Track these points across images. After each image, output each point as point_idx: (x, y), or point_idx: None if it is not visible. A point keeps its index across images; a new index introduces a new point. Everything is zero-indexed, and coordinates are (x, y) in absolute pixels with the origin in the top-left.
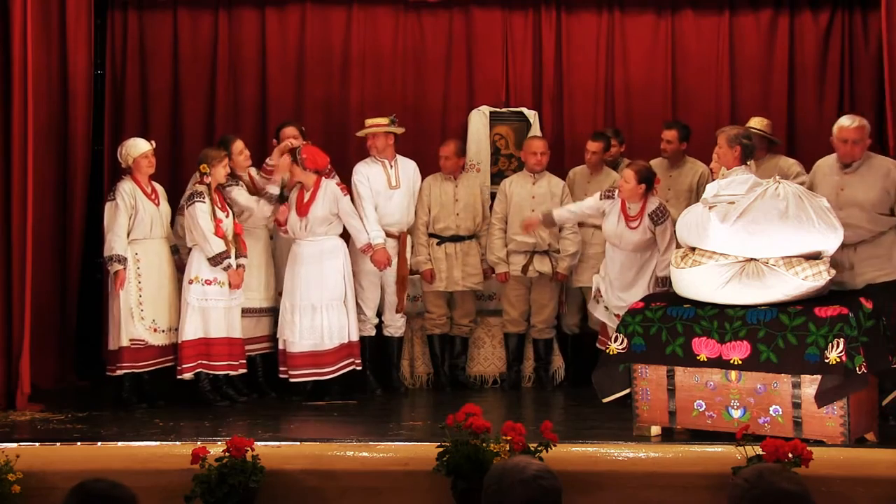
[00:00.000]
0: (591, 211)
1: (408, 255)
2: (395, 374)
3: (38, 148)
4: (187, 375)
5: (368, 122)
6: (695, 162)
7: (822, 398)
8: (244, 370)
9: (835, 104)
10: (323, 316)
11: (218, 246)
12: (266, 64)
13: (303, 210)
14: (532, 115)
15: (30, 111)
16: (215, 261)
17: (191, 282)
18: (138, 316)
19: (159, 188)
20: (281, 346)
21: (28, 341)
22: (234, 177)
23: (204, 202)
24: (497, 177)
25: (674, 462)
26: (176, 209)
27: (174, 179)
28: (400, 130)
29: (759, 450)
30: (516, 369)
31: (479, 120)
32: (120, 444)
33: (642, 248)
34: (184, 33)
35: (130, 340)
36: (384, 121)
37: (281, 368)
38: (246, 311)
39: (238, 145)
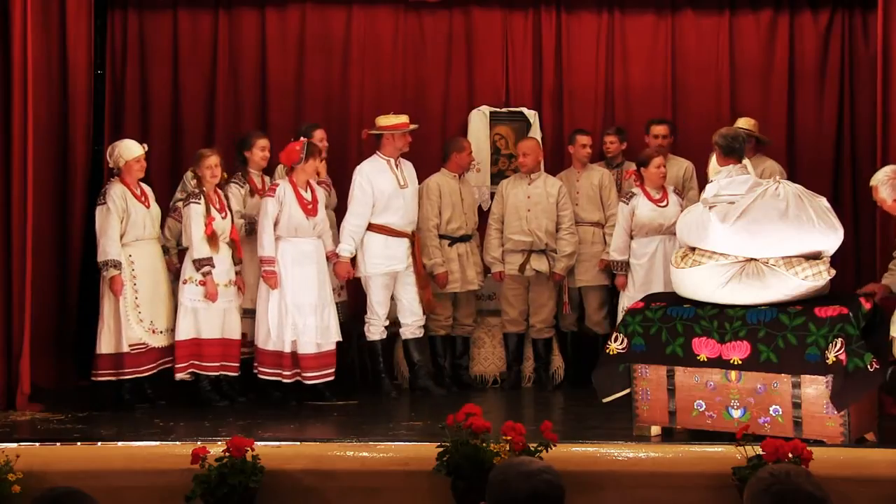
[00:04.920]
0: (628, 222)
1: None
2: (417, 377)
3: (38, 148)
4: (180, 376)
5: (396, 120)
6: (677, 158)
7: (839, 399)
8: (236, 373)
9: (835, 104)
10: (330, 314)
11: (200, 252)
12: (266, 64)
13: (313, 210)
14: (532, 115)
15: (30, 111)
16: (197, 265)
17: (185, 282)
18: (136, 318)
19: (148, 189)
20: (284, 349)
21: (28, 341)
22: (244, 174)
23: (198, 203)
24: (497, 177)
25: (674, 462)
26: (166, 210)
27: (174, 179)
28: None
29: (759, 450)
30: (516, 369)
31: (479, 120)
32: (120, 444)
33: None
34: (184, 33)
35: (130, 346)
36: (405, 118)
37: (282, 372)
38: (246, 312)
39: (261, 142)
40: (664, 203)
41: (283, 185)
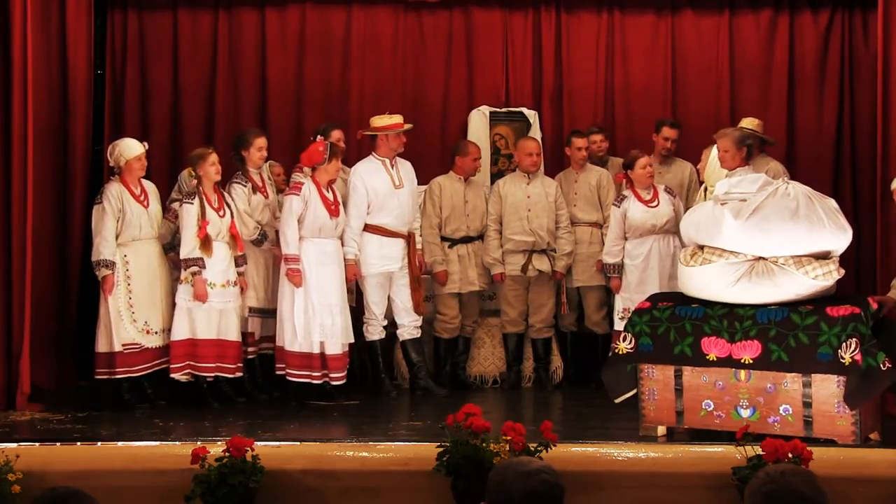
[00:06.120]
0: (620, 226)
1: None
2: (417, 378)
3: (38, 148)
4: (176, 376)
5: (389, 120)
6: (682, 161)
7: (853, 399)
8: (239, 374)
9: (834, 104)
10: (348, 314)
11: (187, 252)
12: (266, 64)
13: (336, 211)
14: (532, 115)
15: (30, 111)
16: (185, 264)
17: (180, 282)
18: (129, 318)
19: (151, 188)
20: (313, 350)
21: (28, 341)
22: (244, 173)
23: (192, 203)
24: (497, 177)
25: (674, 462)
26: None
27: (173, 179)
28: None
29: (758, 450)
30: (516, 369)
31: (479, 120)
32: (120, 444)
33: (671, 226)
34: (184, 33)
35: (123, 345)
36: (399, 118)
37: (312, 373)
38: (253, 311)
39: (259, 141)
40: (655, 203)
41: (307, 185)
